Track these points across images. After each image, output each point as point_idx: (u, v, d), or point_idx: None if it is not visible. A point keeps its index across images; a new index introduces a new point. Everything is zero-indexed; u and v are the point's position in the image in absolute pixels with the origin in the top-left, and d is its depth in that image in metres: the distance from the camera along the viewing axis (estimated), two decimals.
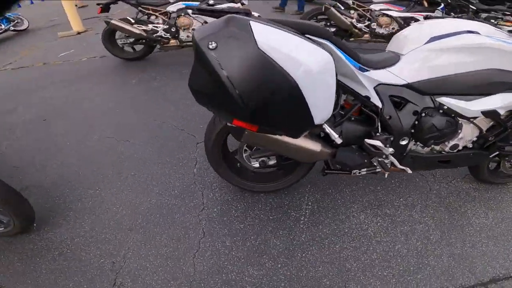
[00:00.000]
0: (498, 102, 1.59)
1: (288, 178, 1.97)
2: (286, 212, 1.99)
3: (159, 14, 4.08)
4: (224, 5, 3.66)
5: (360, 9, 4.55)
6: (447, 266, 1.75)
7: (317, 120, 1.33)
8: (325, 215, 1.98)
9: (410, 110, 1.60)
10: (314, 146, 1.62)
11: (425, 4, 5.15)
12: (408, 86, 1.55)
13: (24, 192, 1.87)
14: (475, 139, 1.80)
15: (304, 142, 1.59)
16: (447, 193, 2.21)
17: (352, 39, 4.64)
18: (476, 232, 1.95)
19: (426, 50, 1.53)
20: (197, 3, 3.83)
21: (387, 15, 4.32)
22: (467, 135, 1.75)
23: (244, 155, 1.86)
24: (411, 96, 1.57)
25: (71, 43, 5.74)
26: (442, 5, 4.83)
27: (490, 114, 1.62)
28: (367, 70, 1.51)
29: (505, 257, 1.82)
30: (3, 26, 6.75)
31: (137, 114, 2.82)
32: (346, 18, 4.43)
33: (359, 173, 1.81)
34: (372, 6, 4.54)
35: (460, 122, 1.69)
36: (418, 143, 1.76)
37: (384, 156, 1.70)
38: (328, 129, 1.56)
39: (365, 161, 1.71)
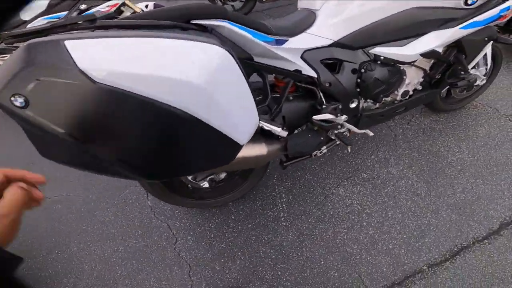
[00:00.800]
0: (433, 41, 1.46)
1: (248, 182, 1.66)
2: (263, 214, 1.72)
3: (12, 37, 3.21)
4: (101, 6, 2.76)
5: None
6: (449, 221, 1.61)
7: (243, 139, 0.95)
8: (304, 203, 1.74)
9: (348, 70, 1.38)
10: (259, 149, 1.31)
11: None
12: (336, 44, 1.31)
13: None
14: (421, 80, 1.67)
15: (247, 151, 1.28)
16: (413, 134, 2.07)
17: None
18: (459, 172, 1.82)
19: (338, 2, 1.29)
20: (64, 13, 2.80)
21: None
22: (413, 78, 1.62)
23: (189, 177, 1.51)
24: (343, 54, 1.34)
25: None
26: None
27: (429, 54, 1.50)
28: (285, 41, 1.21)
29: (500, 194, 1.70)
30: None
31: (63, 167, 2.33)
32: None
33: (321, 152, 1.55)
34: None
35: (402, 68, 1.52)
36: (368, 100, 1.58)
37: (339, 127, 1.47)
38: (267, 126, 1.25)
39: (321, 138, 1.48)
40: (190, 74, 0.74)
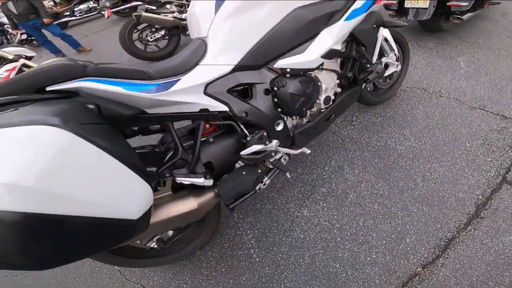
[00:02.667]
0: (327, 40, 1.30)
1: (206, 227, 1.45)
2: (233, 255, 1.49)
3: None
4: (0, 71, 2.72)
5: (172, 1, 3.94)
6: (422, 214, 1.45)
7: (135, 214, 0.80)
8: (272, 234, 1.52)
9: (260, 92, 1.20)
10: (188, 205, 1.15)
11: None
12: (238, 68, 1.12)
13: None
14: (337, 82, 1.50)
15: (174, 210, 1.12)
16: (358, 133, 1.91)
17: None
18: (413, 161, 1.68)
19: (220, 22, 1.09)
20: None
21: None
22: (329, 83, 1.44)
23: (138, 242, 1.24)
24: (249, 76, 1.16)
25: None
26: None
27: (330, 54, 1.32)
28: (174, 82, 0.99)
29: (462, 173, 1.55)
30: None
31: None
32: (166, 16, 3.71)
33: (264, 185, 1.34)
34: None
35: (313, 75, 1.37)
36: (294, 118, 1.42)
37: (273, 154, 1.29)
38: (186, 181, 1.09)
39: (259, 171, 1.28)
40: (9, 171, 0.57)
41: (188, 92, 1.01)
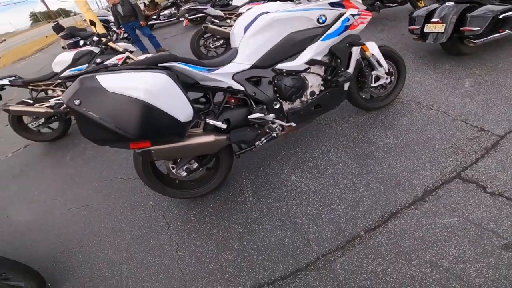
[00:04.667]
0: (309, 53, 1.91)
1: (219, 173, 2.06)
2: (233, 200, 2.05)
3: (53, 86, 3.72)
4: (112, 59, 3.61)
5: (232, 16, 4.90)
6: (378, 191, 1.82)
7: (182, 119, 1.51)
8: (264, 189, 2.05)
9: (265, 82, 1.87)
10: (209, 138, 1.77)
11: None
12: (253, 67, 1.83)
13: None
14: (322, 82, 2.06)
15: (200, 139, 1.76)
16: (349, 129, 2.37)
17: None
18: (385, 152, 2.07)
19: (246, 39, 1.81)
20: (85, 66, 3.63)
21: None
22: (314, 82, 2.02)
23: (173, 171, 1.93)
24: (260, 72, 1.85)
25: None
26: None
27: (311, 62, 1.92)
28: (216, 69, 1.74)
29: (422, 166, 1.90)
30: None
31: (86, 183, 2.79)
32: (225, 28, 4.62)
33: (262, 142, 1.95)
34: (240, 10, 4.83)
35: (303, 75, 1.95)
36: (288, 102, 1.99)
37: (270, 122, 1.92)
38: (211, 121, 1.77)
39: (259, 132, 1.91)
40: (147, 85, 1.39)
41: (222, 76, 1.76)
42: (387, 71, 2.30)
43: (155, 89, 1.40)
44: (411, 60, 3.33)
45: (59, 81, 3.69)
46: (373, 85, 2.34)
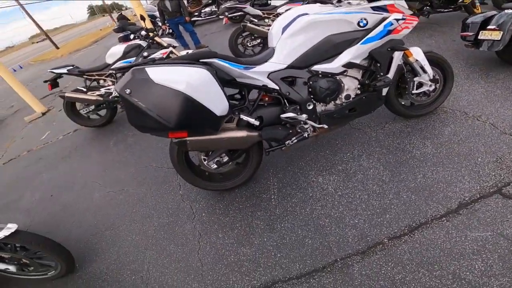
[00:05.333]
0: (347, 56, 1.88)
1: (247, 169, 2.11)
2: (259, 196, 2.09)
3: (105, 76, 4.07)
4: (157, 54, 3.88)
5: (271, 15, 4.91)
6: (409, 201, 1.75)
7: (217, 113, 1.60)
8: (290, 188, 2.06)
9: (300, 83, 1.88)
10: (241, 133, 1.84)
11: None
12: (289, 67, 1.84)
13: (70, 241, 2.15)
14: (359, 86, 2.02)
15: (233, 133, 1.83)
16: (384, 136, 2.29)
17: None
18: (421, 162, 1.98)
19: (284, 39, 1.83)
20: (134, 58, 3.95)
21: None
22: (350, 85, 1.99)
23: (204, 162, 2.01)
24: (295, 73, 1.86)
25: (43, 126, 5.38)
26: None
27: (348, 65, 1.90)
28: (252, 67, 1.79)
29: (460, 179, 1.80)
30: None
31: (124, 168, 3.01)
32: (263, 28, 4.73)
33: (292, 142, 1.97)
34: (279, 10, 4.82)
35: (338, 78, 1.93)
36: (322, 103, 1.98)
37: (302, 122, 1.94)
38: (244, 117, 1.83)
39: (290, 131, 1.93)
40: (189, 79, 1.50)
41: (258, 74, 1.81)
42: (431, 77, 2.18)
43: (196, 82, 1.50)
44: (461, 67, 3.12)
45: (110, 71, 4.04)
46: (414, 91, 2.22)
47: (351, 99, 2.02)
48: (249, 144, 1.90)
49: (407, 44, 2.01)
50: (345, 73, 1.93)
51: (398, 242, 1.57)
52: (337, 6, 1.93)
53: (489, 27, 2.80)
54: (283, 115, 1.87)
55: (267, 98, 1.97)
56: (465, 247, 1.46)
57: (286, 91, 1.86)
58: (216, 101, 1.60)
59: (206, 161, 2.00)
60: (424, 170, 1.94)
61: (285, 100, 1.91)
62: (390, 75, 2.04)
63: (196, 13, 10.47)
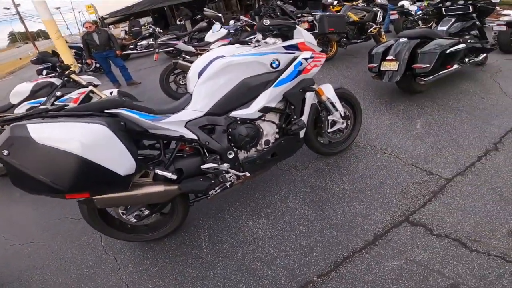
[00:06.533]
0: (262, 99, 1.91)
1: (174, 219, 2.05)
2: (189, 244, 2.06)
3: (5, 121, 3.75)
4: (73, 93, 3.70)
5: (203, 52, 4.70)
6: (332, 237, 1.87)
7: (121, 172, 1.48)
8: (221, 234, 2.07)
9: (220, 130, 1.85)
10: (158, 188, 1.75)
11: (248, 29, 5.65)
12: (207, 114, 1.82)
13: None
14: (277, 130, 2.07)
15: (148, 189, 1.73)
16: (308, 175, 2.44)
17: None
18: (340, 198, 2.15)
19: (200, 84, 1.80)
20: (44, 99, 3.62)
21: None
22: (269, 130, 2.04)
23: (123, 216, 1.91)
24: (214, 120, 1.83)
25: None
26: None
27: (264, 109, 1.93)
28: (167, 117, 1.72)
29: (374, 211, 1.98)
30: None
31: (34, 220, 2.71)
32: None
33: (216, 192, 1.94)
34: (212, 46, 4.78)
35: (257, 123, 1.96)
36: (243, 151, 1.98)
37: (224, 172, 1.88)
38: (160, 172, 1.72)
39: (212, 181, 1.87)
40: (83, 138, 1.36)
41: (174, 124, 1.74)
42: (343, 115, 2.39)
43: (90, 142, 1.37)
44: (370, 99, 3.55)
45: (14, 114, 3.55)
46: (329, 130, 2.42)
47: (271, 144, 2.07)
48: (169, 198, 1.85)
49: (328, 78, 2.21)
50: (262, 118, 1.99)
51: (326, 279, 1.66)
52: (255, 46, 1.97)
53: (387, 57, 3.10)
54: (203, 166, 1.82)
55: (187, 148, 1.94)
56: (385, 277, 1.59)
57: (205, 141, 1.82)
58: (118, 160, 1.47)
59: (125, 215, 1.90)
60: (343, 206, 2.12)
61: (205, 150, 1.88)
62: (305, 117, 2.14)
63: (132, 46, 10.18)
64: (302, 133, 2.17)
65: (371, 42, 5.51)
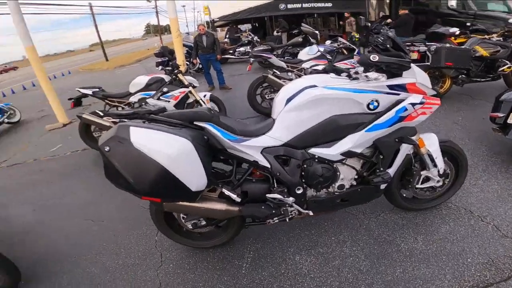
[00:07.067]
0: (348, 143, 1.73)
1: (226, 234, 2.07)
2: (230, 261, 2.04)
3: (124, 105, 4.32)
4: (175, 92, 4.22)
5: (295, 69, 4.84)
6: None
7: (193, 188, 1.55)
8: (264, 261, 2.00)
9: (294, 164, 1.75)
10: (220, 206, 1.79)
11: (345, 52, 5.36)
12: (286, 144, 1.74)
13: (16, 261, 2.11)
14: (356, 177, 1.88)
15: (211, 204, 1.79)
16: (376, 225, 2.16)
17: None
18: (406, 257, 1.88)
19: (286, 112, 1.72)
20: (153, 92, 4.20)
21: (316, 70, 4.58)
22: (347, 175, 1.86)
23: (182, 220, 2.00)
24: (290, 152, 1.75)
25: (58, 137, 5.67)
26: (357, 49, 5.10)
27: (348, 154, 1.75)
28: (247, 140, 1.71)
29: (441, 277, 1.71)
30: None
31: (113, 201, 3.03)
32: (284, 81, 4.48)
33: (273, 221, 1.90)
34: (304, 65, 4.78)
35: (335, 166, 1.80)
36: (312, 189, 1.85)
37: (288, 205, 1.83)
38: (226, 192, 1.74)
39: (273, 211, 1.82)
40: (169, 151, 1.46)
41: (251, 149, 1.73)
42: (441, 172, 2.01)
43: (175, 154, 1.47)
44: (481, 156, 2.96)
45: (130, 101, 4.32)
46: (419, 186, 2.08)
47: (344, 190, 1.89)
48: (227, 217, 1.88)
49: (429, 118, 1.88)
50: (343, 161, 1.82)
51: None
52: (352, 79, 1.78)
53: None
54: (269, 195, 1.78)
55: (258, 173, 1.90)
56: None
57: (276, 171, 1.75)
58: (193, 176, 1.56)
59: (184, 220, 1.99)
60: (405, 265, 1.85)
61: (274, 179, 1.81)
62: (392, 170, 1.89)
63: (231, 51, 10.98)
64: (384, 185, 1.92)
65: (499, 84, 4.60)
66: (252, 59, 5.43)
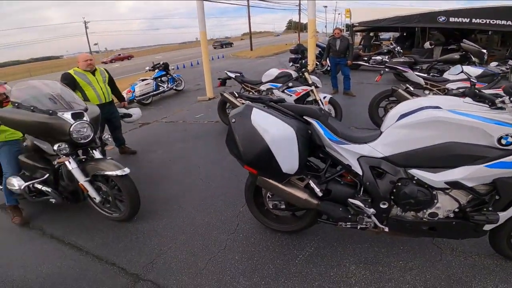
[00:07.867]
0: (459, 173, 1.57)
1: (299, 223, 2.26)
2: (289, 249, 2.23)
3: (255, 91, 5.21)
4: (298, 88, 4.60)
5: (434, 88, 4.21)
6: None
7: (284, 169, 1.80)
8: (320, 259, 2.10)
9: (387, 180, 1.74)
10: (301, 195, 1.96)
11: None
12: (385, 158, 1.73)
13: (142, 198, 2.74)
14: (456, 210, 1.71)
15: (295, 191, 1.97)
16: (459, 265, 1.95)
17: None
18: None
19: (395, 127, 1.71)
20: (280, 85, 4.77)
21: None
22: (445, 205, 1.70)
23: (267, 199, 2.28)
24: (388, 167, 1.73)
25: (203, 108, 7.13)
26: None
27: (453, 184, 1.60)
28: (346, 144, 1.82)
29: None
30: (169, 85, 8.75)
31: (225, 172, 3.63)
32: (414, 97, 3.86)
33: (345, 225, 1.96)
34: (449, 85, 4.07)
35: (435, 192, 1.68)
36: (398, 208, 1.79)
37: (366, 215, 1.85)
38: (312, 184, 1.92)
39: (349, 216, 1.89)
40: (276, 133, 1.76)
41: (348, 153, 1.84)
42: None
43: (279, 137, 1.76)
44: None
45: (259, 89, 5.12)
46: None
47: (436, 219, 1.75)
48: (305, 207, 2.06)
49: None
50: (447, 190, 1.68)
51: None
52: (493, 107, 1.59)
53: None
54: (351, 200, 1.87)
55: (348, 177, 1.99)
56: None
57: (367, 181, 1.79)
58: (288, 159, 1.80)
59: (268, 199, 2.29)
60: None
61: (362, 187, 1.87)
62: (505, 214, 1.64)
63: (365, 58, 10.54)
64: (488, 227, 1.71)
65: None
66: (383, 70, 5.15)
